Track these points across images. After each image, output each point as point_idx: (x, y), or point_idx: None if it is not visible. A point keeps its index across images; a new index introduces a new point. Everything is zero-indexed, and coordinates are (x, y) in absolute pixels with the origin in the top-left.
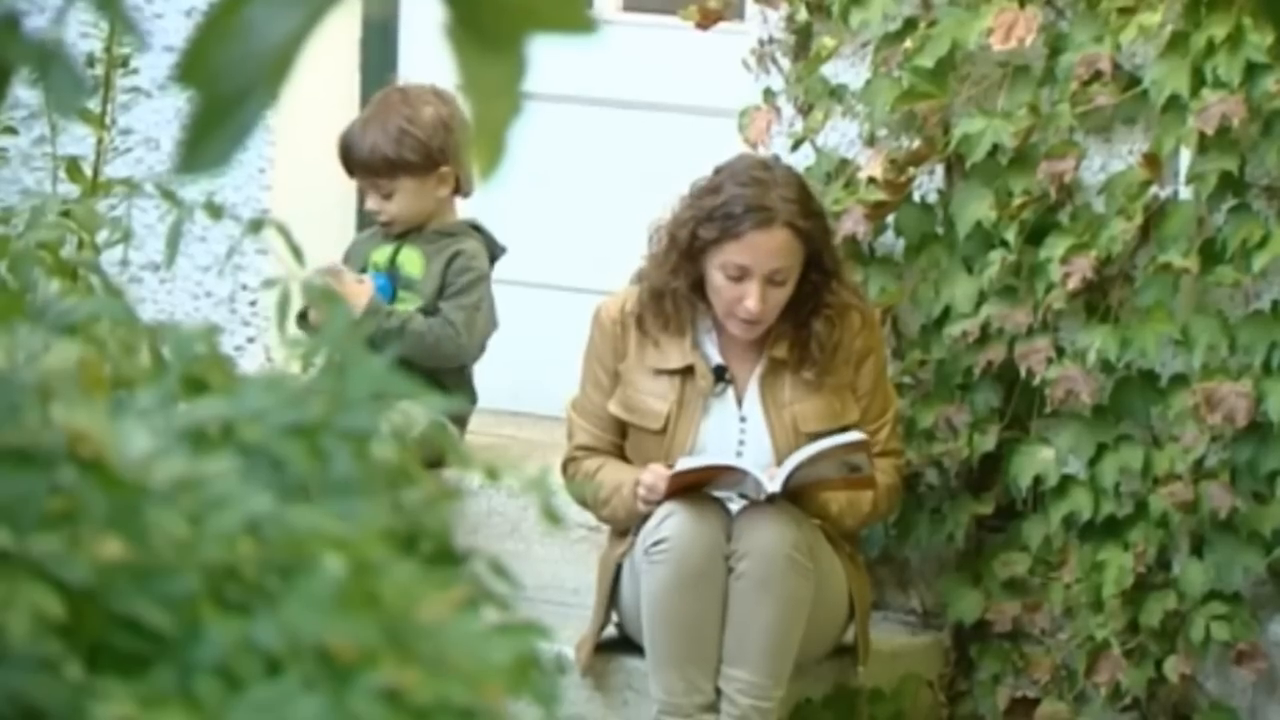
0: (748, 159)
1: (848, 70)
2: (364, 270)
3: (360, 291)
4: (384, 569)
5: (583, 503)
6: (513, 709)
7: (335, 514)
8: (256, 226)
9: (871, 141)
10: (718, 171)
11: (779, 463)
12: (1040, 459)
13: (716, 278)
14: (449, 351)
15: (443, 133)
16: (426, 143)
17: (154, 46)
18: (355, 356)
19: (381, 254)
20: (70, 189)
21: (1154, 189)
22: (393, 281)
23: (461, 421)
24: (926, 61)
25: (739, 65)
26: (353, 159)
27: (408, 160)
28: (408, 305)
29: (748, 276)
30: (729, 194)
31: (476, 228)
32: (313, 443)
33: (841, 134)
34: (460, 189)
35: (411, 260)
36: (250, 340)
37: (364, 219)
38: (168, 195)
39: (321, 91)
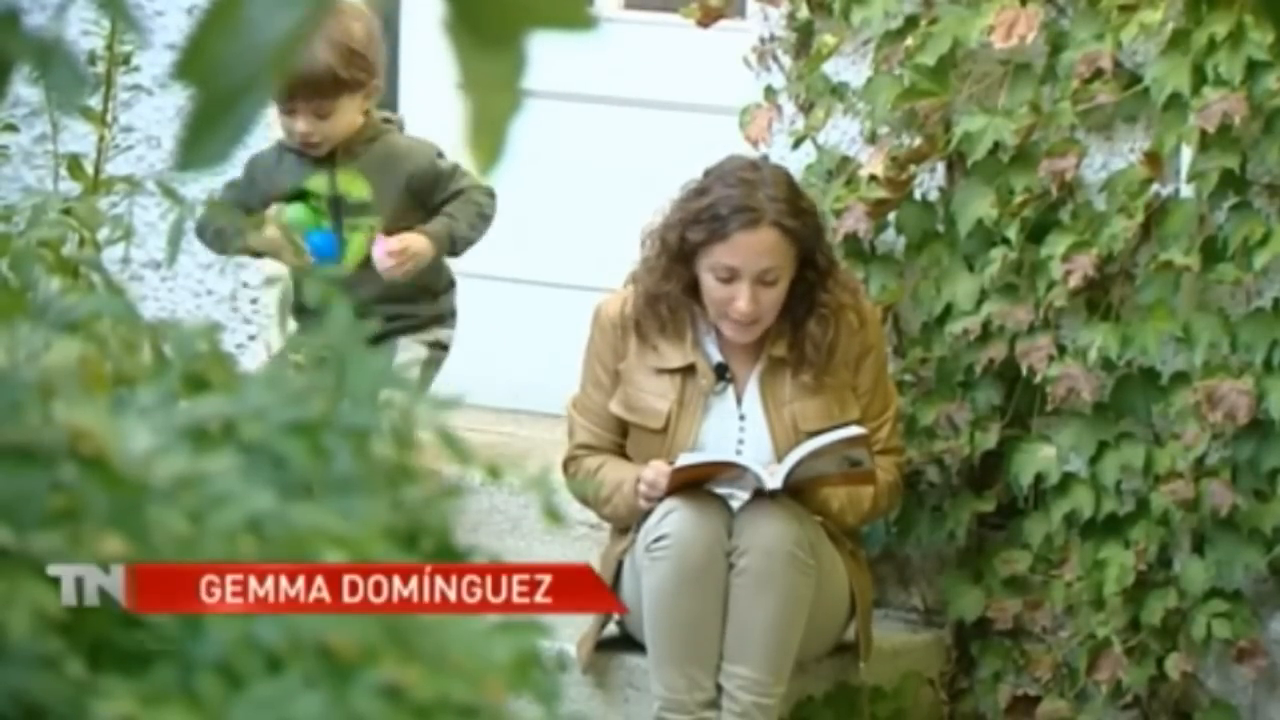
0: (737, 160)
1: (849, 68)
2: (295, 199)
3: (423, 244)
4: None
5: (584, 501)
6: (514, 706)
7: (336, 511)
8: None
9: (873, 139)
10: (707, 174)
11: (779, 461)
12: (1041, 457)
13: (707, 280)
14: (494, 212)
15: (375, 46)
16: (367, 57)
17: (155, 44)
18: (355, 354)
19: (317, 183)
20: (72, 186)
21: (1155, 187)
22: (337, 213)
23: (445, 346)
24: (928, 59)
25: (740, 63)
26: (297, 82)
27: (357, 79)
28: (359, 233)
29: (737, 278)
30: (716, 195)
31: (388, 120)
32: (314, 440)
33: (843, 132)
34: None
35: (353, 183)
36: (251, 338)
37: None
38: (169, 193)
39: None
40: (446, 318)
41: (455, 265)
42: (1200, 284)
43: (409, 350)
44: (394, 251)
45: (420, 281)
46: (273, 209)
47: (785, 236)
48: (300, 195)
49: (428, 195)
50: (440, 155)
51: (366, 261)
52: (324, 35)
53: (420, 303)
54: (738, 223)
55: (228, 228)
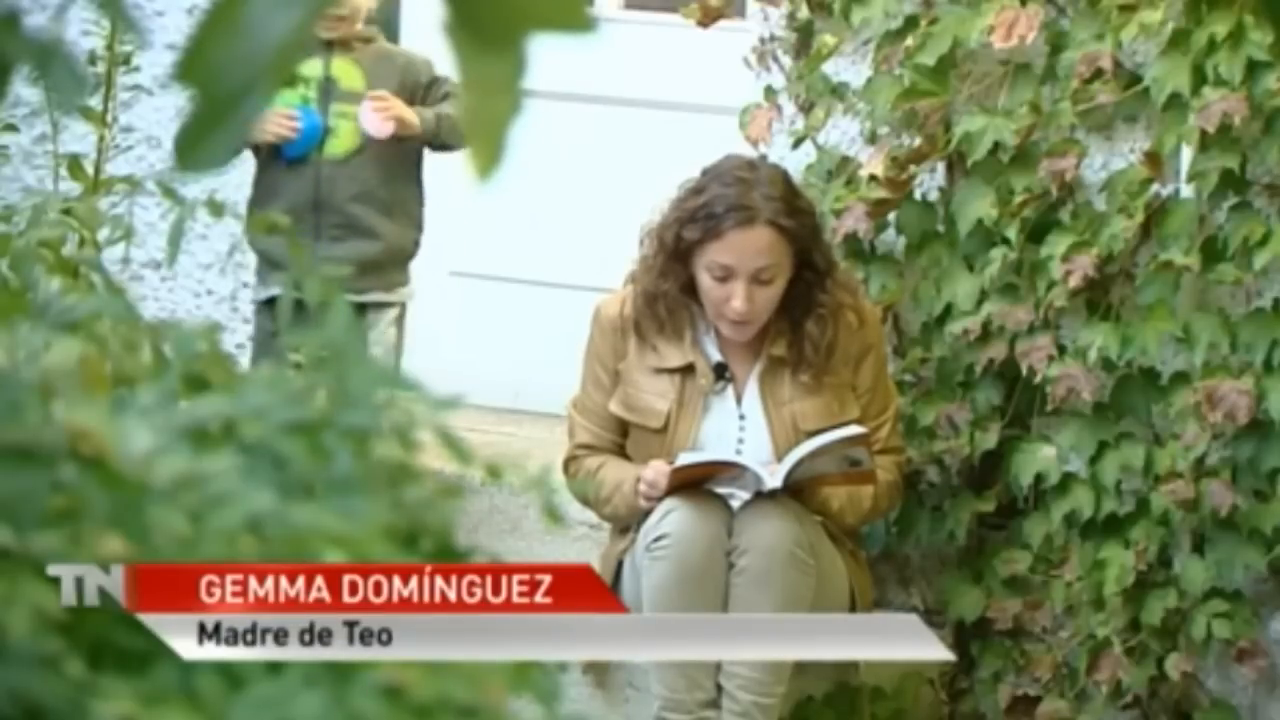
0: (734, 159)
1: (849, 68)
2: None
3: (411, 117)
4: None
5: (584, 501)
6: (514, 706)
7: (336, 511)
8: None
9: (873, 139)
10: (704, 173)
11: (779, 460)
12: (1041, 457)
13: (704, 279)
14: None
15: None
16: None
17: (155, 44)
18: (356, 354)
19: (309, 67)
20: (72, 187)
21: (1155, 187)
22: (326, 97)
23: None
24: (928, 59)
25: (740, 63)
26: None
27: None
28: (347, 120)
29: (733, 276)
30: (712, 194)
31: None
32: (314, 440)
33: (843, 132)
34: None
35: (348, 73)
36: (252, 338)
37: None
38: (169, 193)
39: None
40: (408, 278)
41: (453, 265)
42: (1200, 284)
43: (380, 336)
44: (380, 108)
45: (393, 242)
46: None
47: (781, 235)
48: (288, 81)
49: (423, 95)
50: (433, 66)
51: (346, 157)
52: None
53: (389, 271)
54: (732, 221)
55: None
